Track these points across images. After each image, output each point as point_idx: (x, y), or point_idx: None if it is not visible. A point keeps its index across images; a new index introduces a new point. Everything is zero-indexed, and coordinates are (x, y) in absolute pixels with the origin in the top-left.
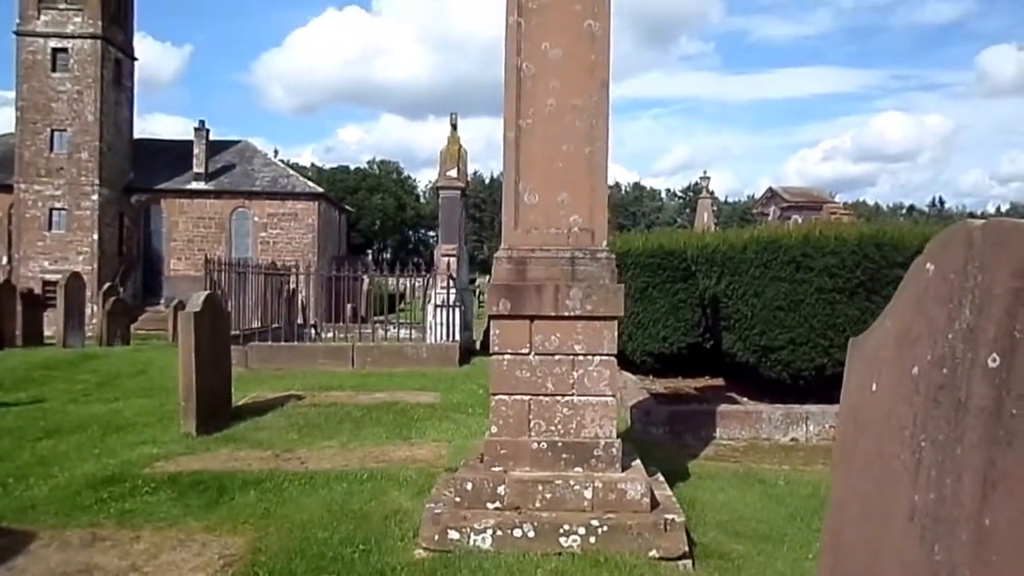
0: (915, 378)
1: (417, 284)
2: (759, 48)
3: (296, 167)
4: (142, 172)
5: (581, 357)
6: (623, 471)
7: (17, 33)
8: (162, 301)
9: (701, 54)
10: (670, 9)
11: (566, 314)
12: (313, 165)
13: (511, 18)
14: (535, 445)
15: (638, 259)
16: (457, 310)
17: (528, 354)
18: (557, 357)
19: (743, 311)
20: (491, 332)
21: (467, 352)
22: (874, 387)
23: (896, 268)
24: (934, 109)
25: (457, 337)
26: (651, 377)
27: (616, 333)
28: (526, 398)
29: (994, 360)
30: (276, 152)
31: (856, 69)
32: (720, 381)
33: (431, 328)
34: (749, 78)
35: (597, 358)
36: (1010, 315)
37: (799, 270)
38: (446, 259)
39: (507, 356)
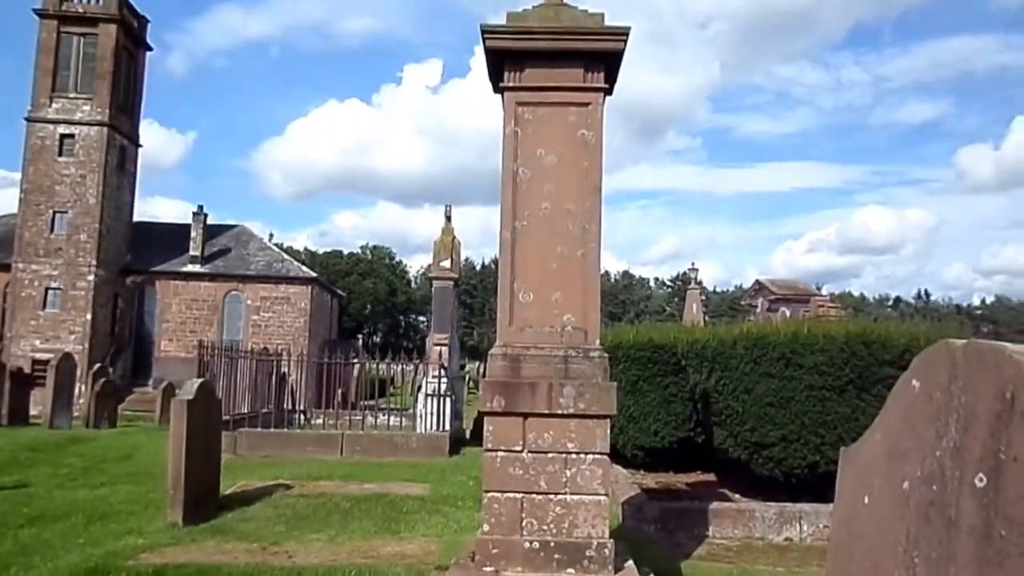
0: (906, 493)
1: (407, 369)
2: (744, 143)
3: (291, 251)
4: (139, 254)
5: (574, 455)
6: (616, 573)
7: (28, 119)
8: (151, 382)
9: (688, 148)
10: (659, 106)
11: (559, 412)
12: (307, 249)
13: (508, 127)
14: (527, 544)
15: (629, 352)
16: (448, 399)
17: (521, 451)
18: (550, 455)
19: (734, 407)
20: (484, 428)
21: (457, 442)
22: (866, 499)
23: (885, 366)
24: (915, 204)
25: (447, 427)
26: (642, 471)
27: (608, 431)
28: (519, 496)
29: (981, 480)
30: (271, 236)
31: (837, 164)
32: (712, 477)
33: (421, 417)
34: (734, 172)
35: (590, 456)
36: (994, 436)
37: (789, 367)
38: (438, 348)
39: (500, 453)
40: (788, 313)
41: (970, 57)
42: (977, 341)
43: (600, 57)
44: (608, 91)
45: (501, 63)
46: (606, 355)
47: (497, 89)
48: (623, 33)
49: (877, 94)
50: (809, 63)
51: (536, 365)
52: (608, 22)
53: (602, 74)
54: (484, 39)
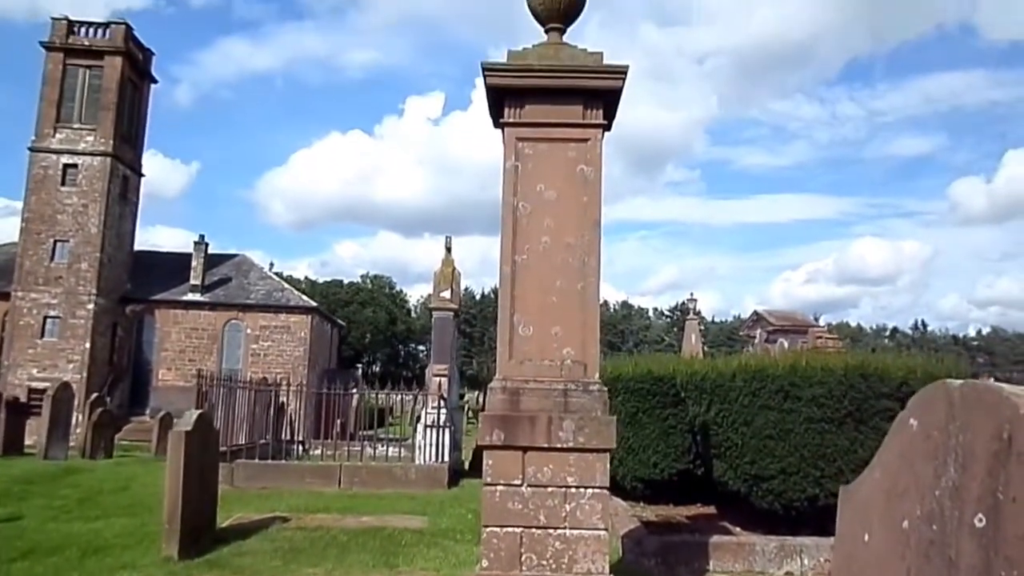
0: (906, 532)
1: (407, 399)
2: (742, 176)
3: (291, 280)
4: (140, 283)
5: (574, 489)
6: None
7: (32, 149)
8: (148, 411)
9: (687, 181)
10: (658, 139)
11: (559, 446)
12: (307, 278)
13: (509, 162)
14: None
15: (628, 384)
16: (447, 430)
17: (520, 486)
18: (550, 489)
19: (733, 439)
20: (484, 462)
21: (456, 474)
22: (866, 537)
23: (883, 398)
24: (910, 235)
25: (446, 458)
26: (642, 504)
27: (608, 465)
28: (518, 530)
29: (980, 520)
30: (272, 265)
31: (833, 197)
32: (712, 509)
33: (420, 448)
34: (733, 203)
35: (590, 491)
36: (992, 475)
37: (787, 399)
38: (437, 379)
39: (499, 487)
40: (786, 344)
41: (961, 92)
42: (974, 382)
43: (599, 94)
44: (607, 127)
45: (502, 99)
46: (605, 389)
47: (498, 124)
48: (621, 71)
49: (871, 128)
50: (805, 98)
51: (535, 398)
52: (607, 60)
53: (601, 111)
54: (485, 76)
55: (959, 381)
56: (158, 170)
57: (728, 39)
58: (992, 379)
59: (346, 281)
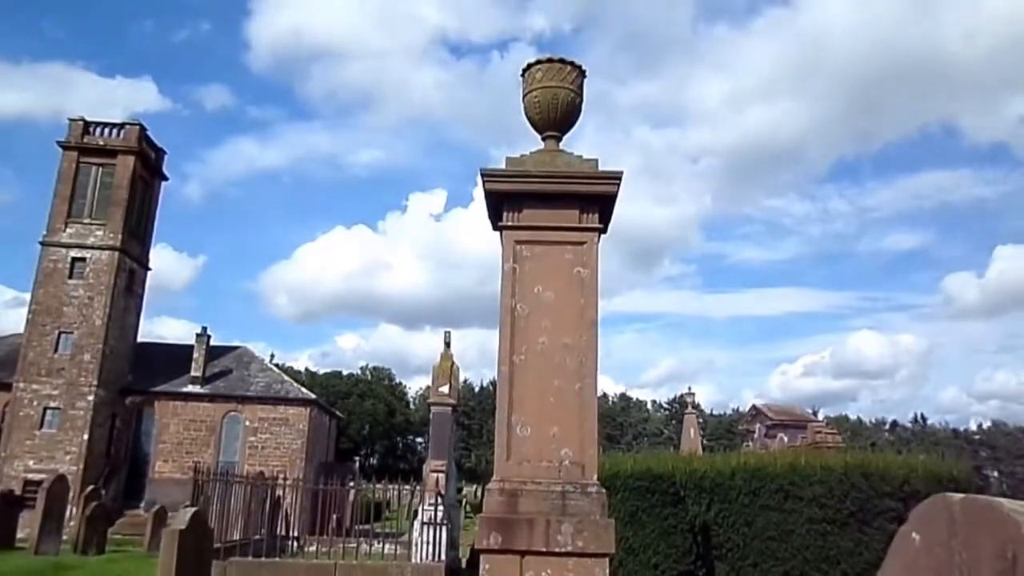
0: None
1: (404, 491)
2: (737, 270)
3: (291, 372)
4: (141, 374)
5: None
6: None
7: (43, 243)
8: (143, 504)
9: (683, 275)
10: (653, 235)
11: (557, 550)
12: (307, 370)
13: (507, 264)
14: None
15: (627, 482)
16: (444, 528)
17: None
18: None
19: (735, 540)
20: (481, 566)
21: (453, 573)
22: None
23: (885, 498)
24: (905, 329)
25: (443, 557)
26: None
27: (607, 570)
28: None
29: None
30: (272, 356)
31: (827, 291)
32: None
33: (417, 545)
34: (729, 297)
35: None
36: None
37: (788, 499)
38: (435, 475)
39: None
40: (786, 439)
41: (949, 189)
42: (974, 497)
43: (595, 199)
44: (603, 230)
45: (500, 204)
46: (604, 491)
47: (496, 227)
48: (616, 177)
49: (862, 224)
50: (796, 195)
51: (533, 501)
52: (602, 161)
53: (597, 215)
54: (484, 182)
55: (959, 496)
56: (166, 263)
57: (720, 140)
58: (996, 472)
59: (346, 373)
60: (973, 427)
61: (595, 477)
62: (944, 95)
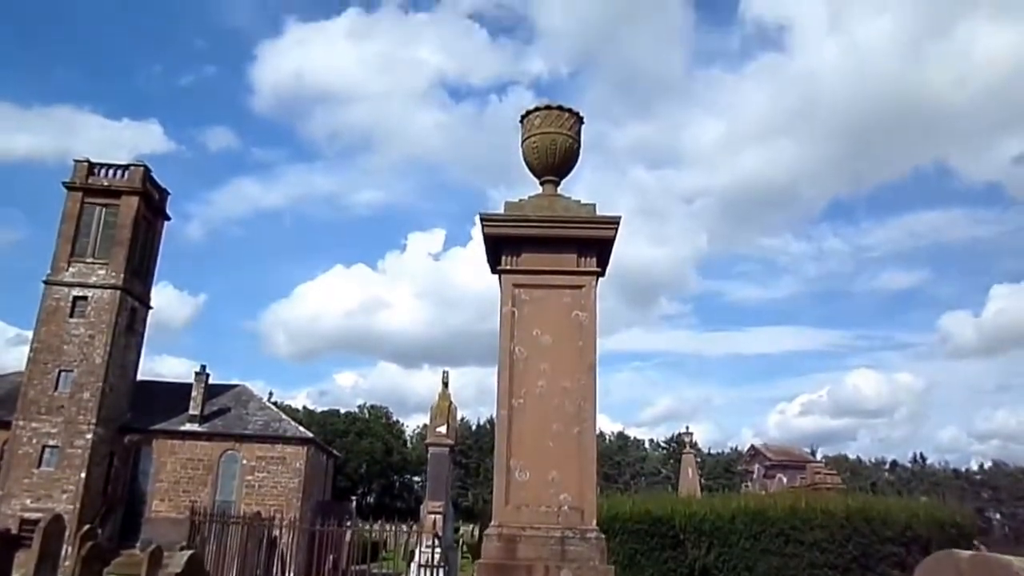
0: None
1: (401, 530)
2: (733, 309)
3: (289, 410)
4: (140, 412)
5: None
6: None
7: (46, 282)
8: (139, 543)
9: (679, 314)
10: (650, 274)
11: None
12: (305, 408)
13: (506, 308)
14: None
15: (626, 525)
16: (441, 570)
17: None
18: None
19: None
20: None
21: None
22: None
23: (888, 543)
24: (903, 367)
25: None
26: None
27: None
28: None
29: None
30: (271, 395)
31: (824, 329)
32: None
33: None
34: (725, 335)
35: None
36: None
37: (788, 543)
38: (432, 516)
39: None
40: (784, 480)
41: (944, 229)
42: (983, 555)
43: (592, 244)
44: (601, 274)
45: (499, 248)
46: (603, 536)
47: (495, 271)
48: (614, 222)
49: (858, 263)
50: (792, 235)
51: (532, 547)
52: (600, 205)
53: (595, 259)
54: (483, 226)
55: (968, 552)
56: (167, 301)
57: (715, 180)
58: (998, 515)
59: (344, 411)
60: (974, 467)
61: (594, 522)
62: (937, 137)
